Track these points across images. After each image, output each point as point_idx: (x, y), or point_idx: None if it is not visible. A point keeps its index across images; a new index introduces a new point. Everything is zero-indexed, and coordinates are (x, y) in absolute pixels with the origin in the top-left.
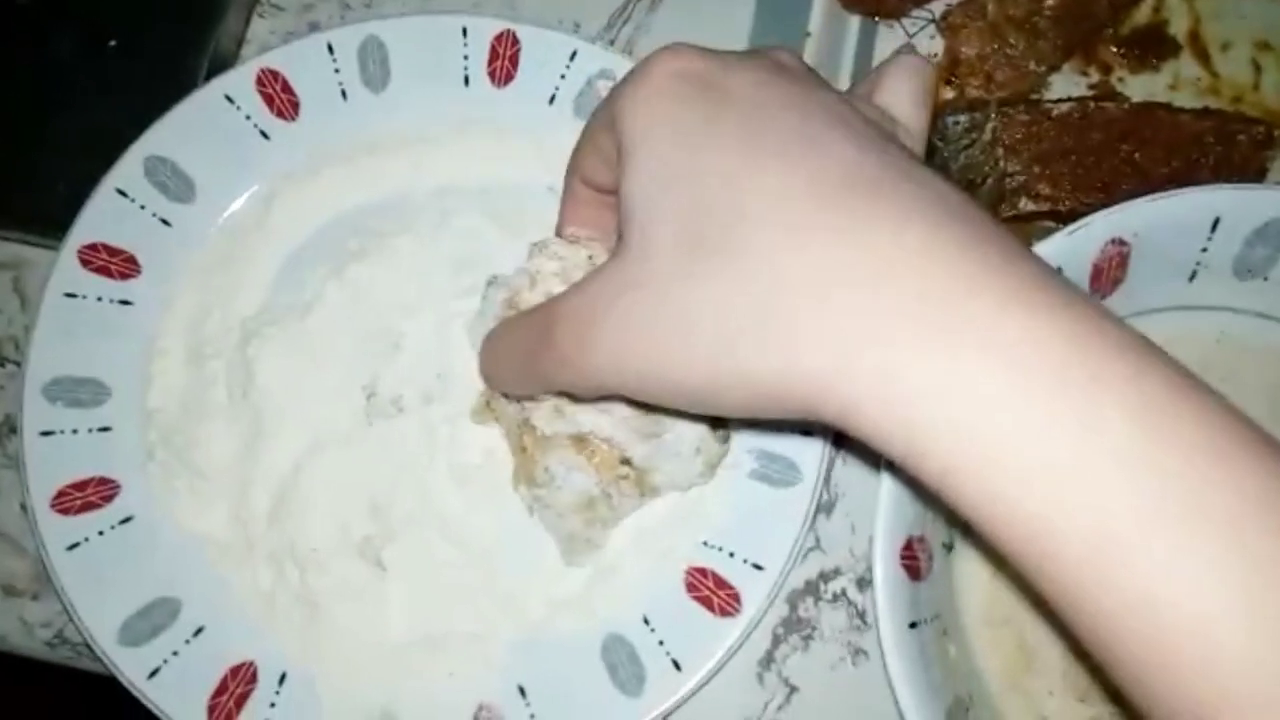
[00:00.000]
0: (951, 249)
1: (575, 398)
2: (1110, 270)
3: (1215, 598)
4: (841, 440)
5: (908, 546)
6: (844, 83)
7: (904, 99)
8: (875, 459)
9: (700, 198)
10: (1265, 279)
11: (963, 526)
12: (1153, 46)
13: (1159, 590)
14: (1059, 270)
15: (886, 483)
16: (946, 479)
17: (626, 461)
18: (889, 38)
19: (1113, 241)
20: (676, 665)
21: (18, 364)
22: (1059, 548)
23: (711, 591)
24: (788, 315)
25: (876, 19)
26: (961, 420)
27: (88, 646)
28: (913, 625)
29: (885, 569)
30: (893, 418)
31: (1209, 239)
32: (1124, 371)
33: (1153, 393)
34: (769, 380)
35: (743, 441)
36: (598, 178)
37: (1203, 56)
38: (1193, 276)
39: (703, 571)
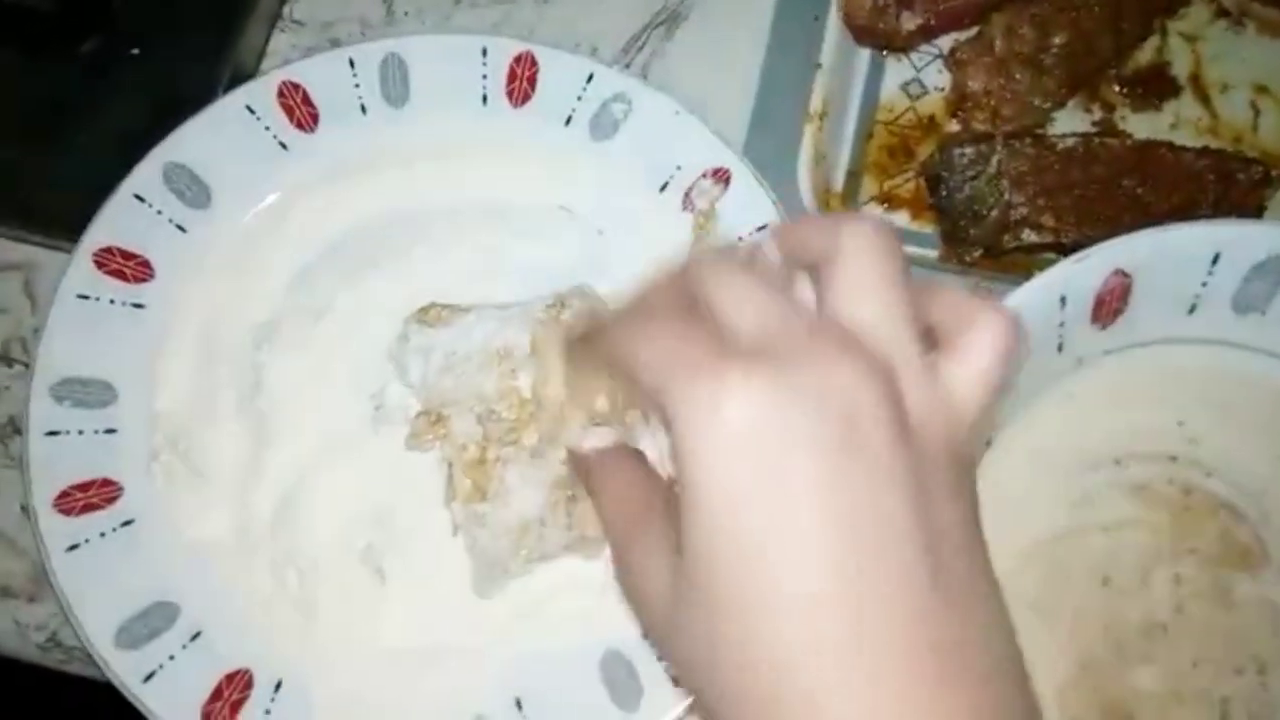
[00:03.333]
0: None
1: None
2: (1112, 301)
3: None
4: None
5: None
6: (852, 114)
7: (980, 381)
8: None
9: (733, 584)
10: (1263, 314)
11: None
12: (1155, 86)
13: None
14: (1062, 299)
15: None
16: None
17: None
18: (897, 70)
19: (1116, 272)
20: (675, 682)
21: (25, 365)
22: None
23: None
24: None
25: (885, 52)
26: None
27: (81, 650)
28: None
29: None
30: None
31: (1209, 273)
32: None
33: None
34: None
35: None
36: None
37: (1203, 98)
38: (1192, 309)
39: None
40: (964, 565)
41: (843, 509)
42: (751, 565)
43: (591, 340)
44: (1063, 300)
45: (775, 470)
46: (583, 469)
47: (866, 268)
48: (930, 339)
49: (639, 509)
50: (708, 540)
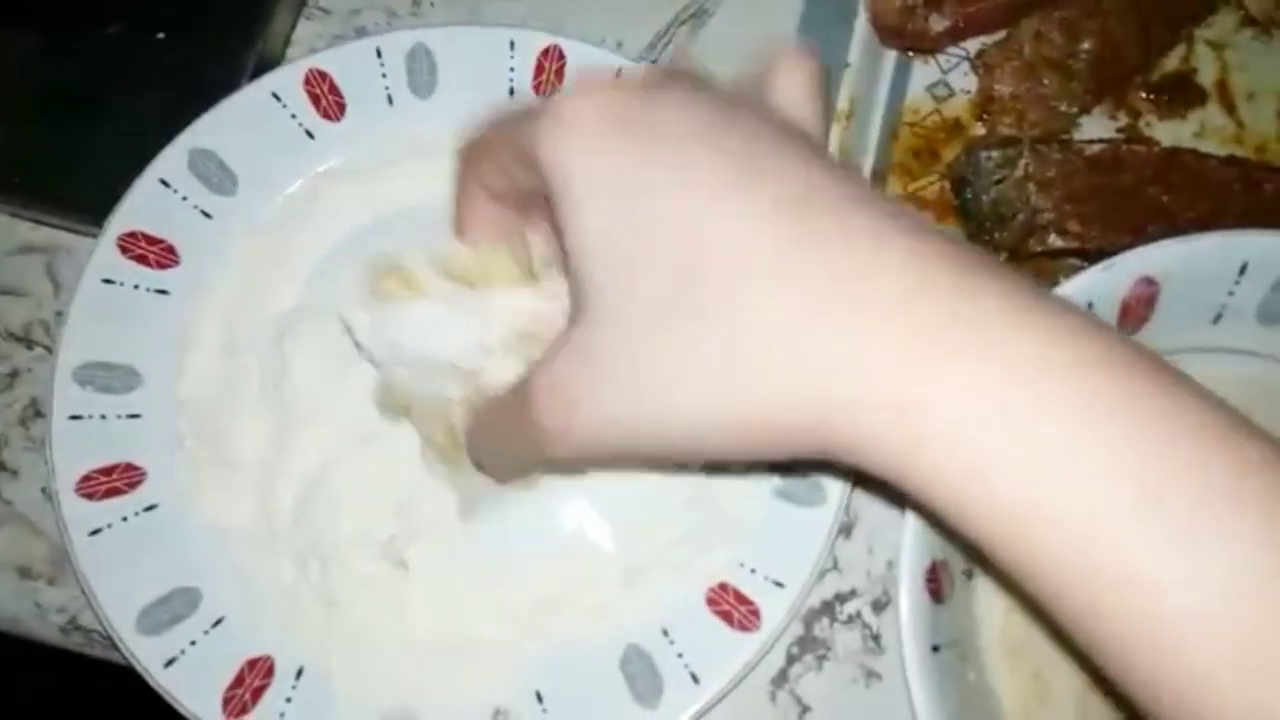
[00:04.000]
0: (931, 263)
1: None
2: (1138, 309)
3: (1199, 579)
4: None
5: (932, 570)
6: (877, 115)
7: (800, 100)
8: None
9: (662, 248)
10: None
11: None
12: (1181, 94)
13: (1145, 571)
14: (1089, 305)
15: (911, 510)
16: (938, 479)
17: None
18: (923, 72)
19: (1143, 280)
20: (694, 678)
21: (47, 348)
22: (1046, 535)
23: (732, 606)
24: (778, 347)
25: (912, 54)
26: (956, 426)
27: (101, 634)
28: (935, 649)
29: (910, 591)
30: (892, 435)
31: (1236, 283)
32: (1115, 377)
33: (1144, 392)
34: (764, 419)
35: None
36: (497, 187)
37: (1229, 106)
38: (1218, 319)
39: (724, 586)
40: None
41: (722, 131)
42: (659, 226)
43: (466, 158)
44: (1090, 306)
45: (645, 131)
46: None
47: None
48: None
49: (521, 386)
50: (604, 242)
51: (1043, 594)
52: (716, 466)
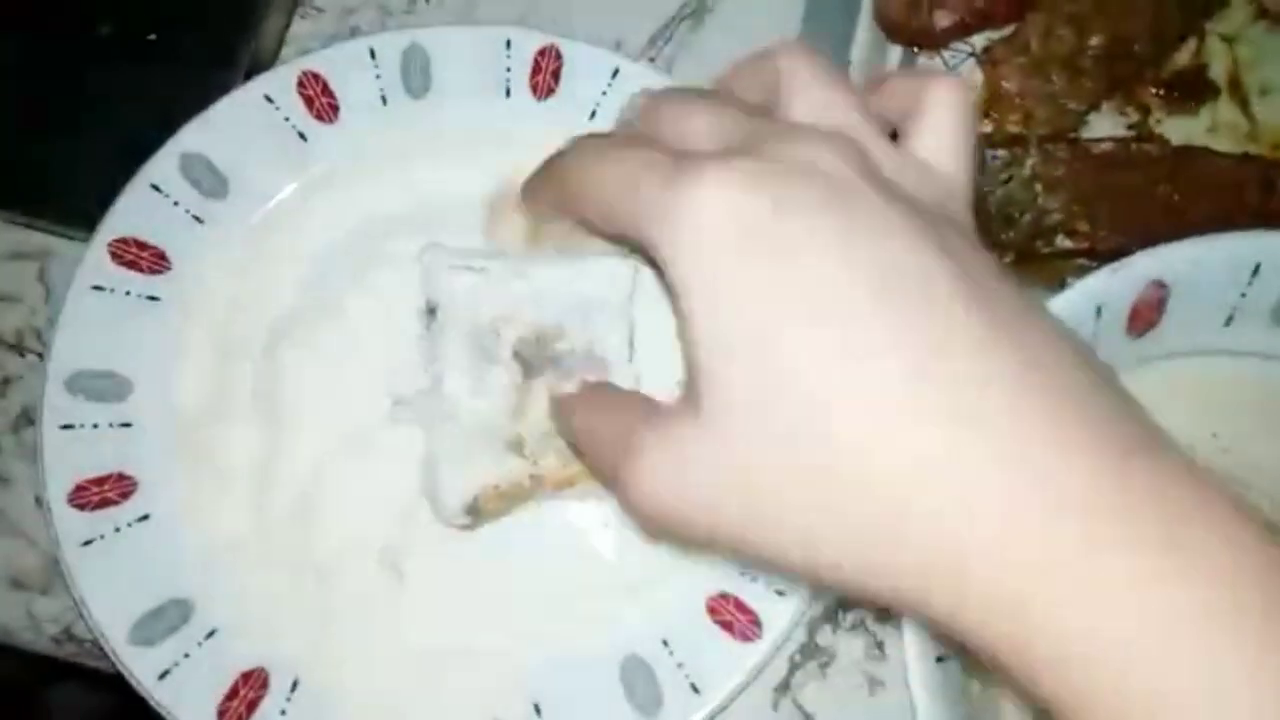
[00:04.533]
0: (1074, 444)
1: None
2: (1148, 312)
3: None
4: None
5: None
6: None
7: (949, 149)
8: None
9: (773, 379)
10: None
11: None
12: (1192, 89)
13: None
14: (1098, 309)
15: None
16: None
17: None
18: (929, 68)
19: (1153, 283)
20: (695, 688)
21: (39, 355)
22: None
23: (733, 616)
24: (883, 516)
25: (917, 50)
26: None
27: (95, 644)
28: (939, 659)
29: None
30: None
31: (1249, 285)
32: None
33: None
34: (845, 566)
35: None
36: (589, 219)
37: (1242, 102)
38: (1229, 321)
39: (725, 595)
40: (1006, 290)
41: (858, 257)
42: (786, 358)
43: (548, 180)
44: (1099, 310)
45: (774, 246)
46: (564, 410)
47: (811, 79)
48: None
49: (628, 422)
50: (725, 354)
51: None
52: None
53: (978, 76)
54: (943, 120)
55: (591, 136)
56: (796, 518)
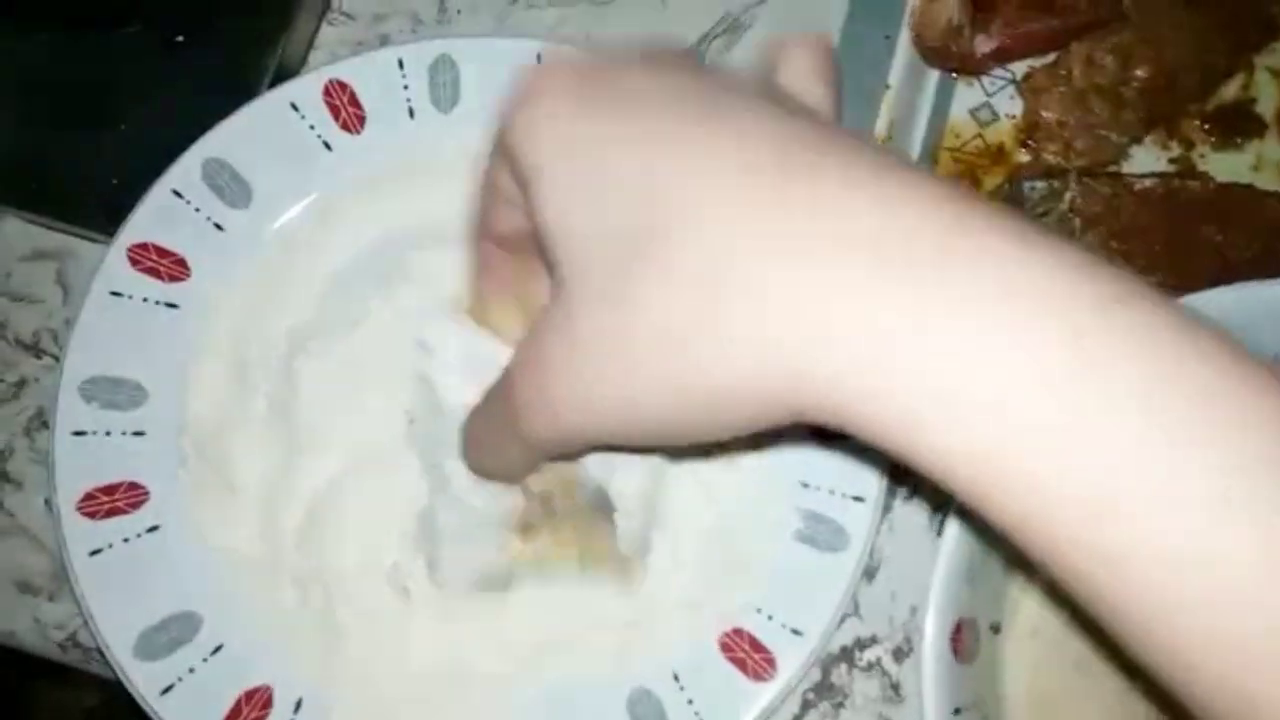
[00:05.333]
0: (900, 199)
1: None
2: None
3: (1235, 545)
4: (891, 505)
5: (957, 629)
6: (917, 138)
7: (807, 77)
8: (925, 529)
9: (620, 205)
10: None
11: (1011, 608)
12: (1238, 124)
13: (1180, 545)
14: None
15: (942, 561)
16: (943, 456)
17: None
18: (966, 94)
19: None
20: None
21: (55, 357)
22: (1061, 509)
23: (746, 654)
24: (740, 305)
25: (955, 75)
26: (952, 385)
27: (100, 652)
28: (957, 711)
29: (934, 652)
30: (881, 393)
31: None
32: (1130, 315)
33: (1160, 336)
34: (741, 385)
35: (790, 502)
36: (509, 226)
37: None
38: None
39: (739, 632)
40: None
41: (690, 78)
42: (620, 184)
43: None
44: None
45: (594, 101)
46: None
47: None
48: None
49: (507, 376)
50: (570, 217)
51: (1096, 592)
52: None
53: (1017, 104)
54: (798, 56)
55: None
56: (663, 345)
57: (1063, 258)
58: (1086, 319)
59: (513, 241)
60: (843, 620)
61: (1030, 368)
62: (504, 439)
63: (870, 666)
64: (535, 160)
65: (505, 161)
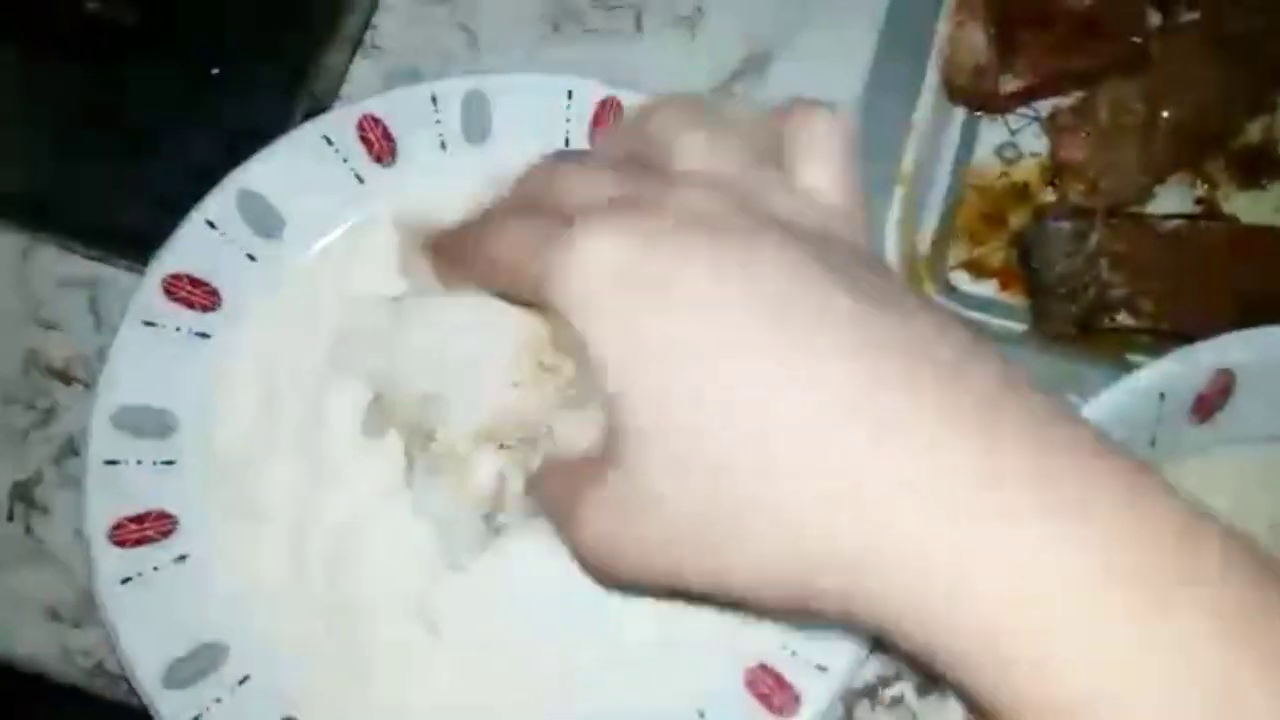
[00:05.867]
0: (963, 412)
1: None
2: (1213, 398)
3: None
4: None
5: None
6: (942, 177)
7: (829, 179)
8: None
9: (723, 418)
10: None
11: None
12: (1263, 166)
13: None
14: (1161, 395)
15: None
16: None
17: None
18: (992, 132)
19: (1220, 371)
20: None
21: (86, 385)
22: None
23: (772, 689)
24: (787, 512)
25: (980, 114)
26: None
27: (126, 680)
28: None
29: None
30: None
31: None
32: (1210, 569)
33: (1241, 598)
34: (787, 586)
35: None
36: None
37: None
38: None
39: (764, 667)
40: (885, 282)
41: (729, 279)
42: (679, 396)
43: (448, 251)
44: (1162, 396)
45: (650, 283)
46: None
47: (693, 128)
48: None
49: (573, 482)
50: (633, 394)
51: None
52: None
53: (1042, 143)
54: (818, 149)
55: (490, 209)
56: (725, 549)
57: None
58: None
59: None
60: (869, 655)
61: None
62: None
63: (894, 703)
64: (597, 330)
65: (537, 283)
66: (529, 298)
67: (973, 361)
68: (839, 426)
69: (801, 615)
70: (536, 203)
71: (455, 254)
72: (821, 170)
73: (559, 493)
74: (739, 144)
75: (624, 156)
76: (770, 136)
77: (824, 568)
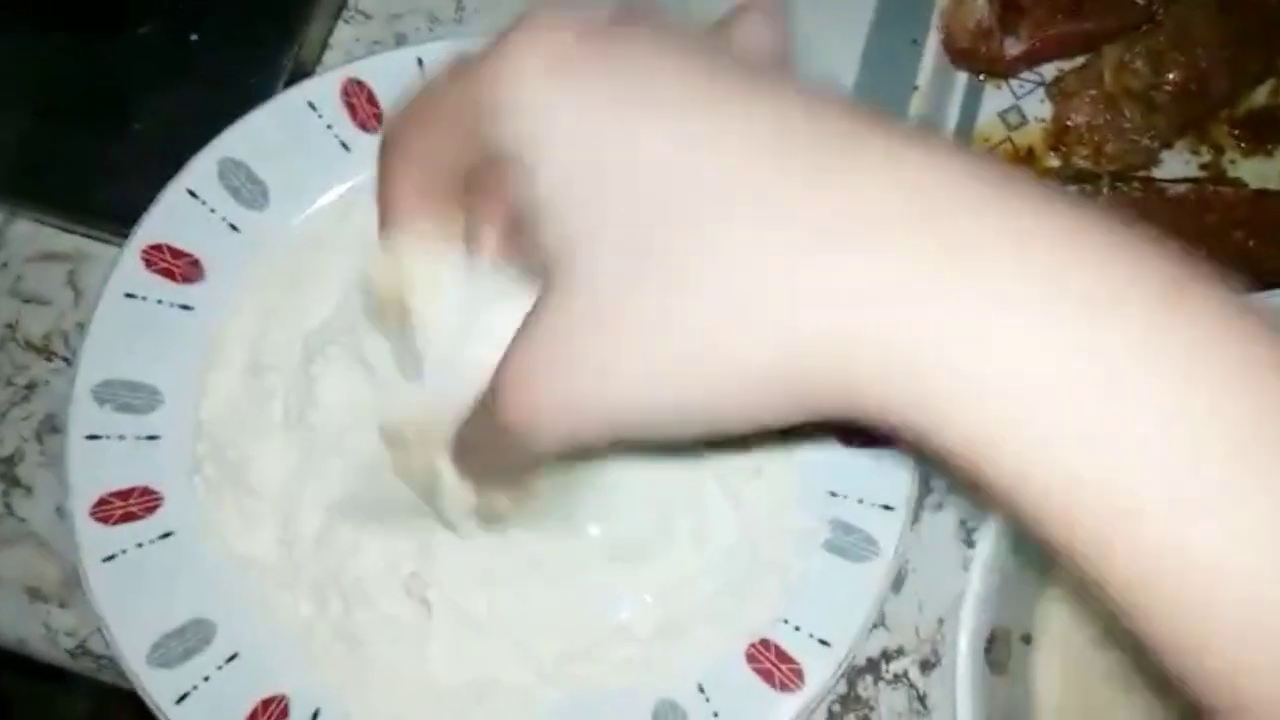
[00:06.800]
0: (941, 180)
1: None
2: None
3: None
4: (919, 515)
5: (990, 639)
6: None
7: (765, 52)
8: (954, 538)
9: (630, 186)
10: None
11: (1043, 618)
12: (1268, 130)
13: (1192, 542)
14: None
15: (976, 570)
16: (965, 447)
17: None
18: (995, 97)
19: None
20: None
21: (66, 360)
22: (1083, 506)
23: (773, 665)
24: (772, 292)
25: (983, 77)
26: (981, 373)
27: (111, 660)
28: None
29: (968, 665)
30: (906, 383)
31: None
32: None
33: (1201, 326)
34: (769, 372)
35: (819, 511)
36: (432, 171)
37: None
38: None
39: (765, 643)
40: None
41: (670, 51)
42: (618, 135)
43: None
44: None
45: (588, 65)
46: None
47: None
48: None
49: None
50: (570, 195)
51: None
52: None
53: (1047, 107)
54: (755, 29)
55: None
56: (692, 335)
57: (1119, 240)
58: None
59: (438, 185)
60: (869, 631)
61: (1085, 365)
62: (498, 450)
63: (897, 679)
64: (525, 129)
65: (456, 115)
66: (485, 140)
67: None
68: (803, 196)
69: (751, 417)
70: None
71: (397, 138)
72: (754, 39)
73: (479, 411)
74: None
75: None
76: None
77: (789, 351)
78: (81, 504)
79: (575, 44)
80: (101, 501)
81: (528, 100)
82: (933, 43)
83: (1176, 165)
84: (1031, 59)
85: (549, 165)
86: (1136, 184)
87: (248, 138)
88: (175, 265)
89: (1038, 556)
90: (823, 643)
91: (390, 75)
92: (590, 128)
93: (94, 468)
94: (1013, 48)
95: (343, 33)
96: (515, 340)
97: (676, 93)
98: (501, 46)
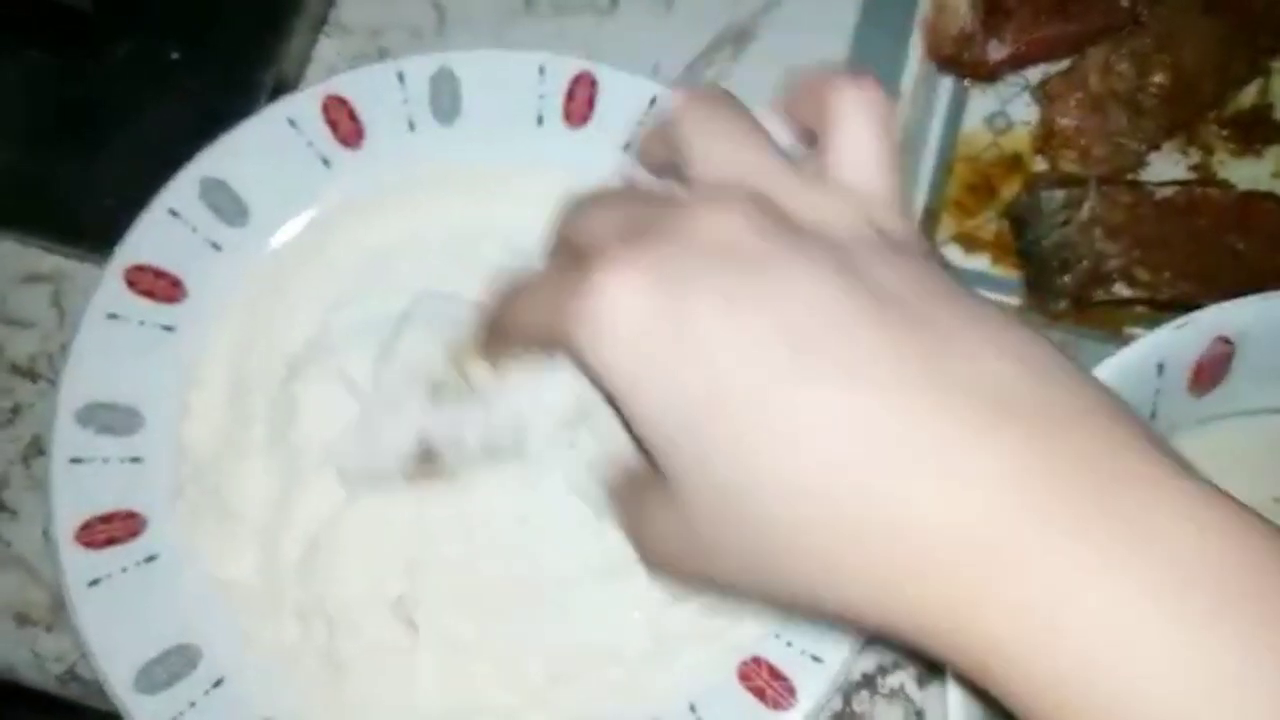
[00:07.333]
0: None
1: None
2: (1212, 369)
3: None
4: None
5: None
6: (931, 147)
7: (867, 161)
8: None
9: (709, 461)
10: None
11: None
12: (1257, 131)
13: None
14: (1160, 365)
15: None
16: None
17: None
18: (980, 102)
19: (1218, 340)
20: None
21: (51, 381)
22: None
23: (766, 682)
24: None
25: (968, 82)
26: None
27: (99, 685)
28: None
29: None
30: (1024, 656)
31: None
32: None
33: None
34: (878, 619)
35: None
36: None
37: None
38: None
39: (757, 660)
40: (921, 283)
41: (759, 323)
42: (711, 439)
43: (494, 327)
44: (1160, 367)
45: (676, 331)
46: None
47: (711, 136)
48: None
49: (638, 494)
50: (668, 446)
51: None
52: None
53: (1033, 111)
54: (857, 131)
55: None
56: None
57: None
58: None
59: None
60: (864, 646)
61: None
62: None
63: (893, 694)
64: (619, 385)
65: (566, 338)
66: (559, 352)
67: (1021, 383)
68: (889, 470)
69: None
70: (564, 248)
71: (495, 337)
72: (859, 151)
73: (624, 498)
74: (761, 143)
75: (657, 166)
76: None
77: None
78: (66, 528)
79: (651, 303)
80: (86, 525)
81: (616, 369)
82: (916, 48)
83: (1165, 167)
84: (1017, 62)
85: (643, 425)
86: (1124, 187)
87: (228, 156)
88: (157, 285)
89: None
90: (815, 659)
91: (371, 89)
92: (677, 406)
93: (78, 491)
94: (998, 51)
95: (324, 47)
96: (649, 511)
97: (757, 374)
98: (584, 293)
